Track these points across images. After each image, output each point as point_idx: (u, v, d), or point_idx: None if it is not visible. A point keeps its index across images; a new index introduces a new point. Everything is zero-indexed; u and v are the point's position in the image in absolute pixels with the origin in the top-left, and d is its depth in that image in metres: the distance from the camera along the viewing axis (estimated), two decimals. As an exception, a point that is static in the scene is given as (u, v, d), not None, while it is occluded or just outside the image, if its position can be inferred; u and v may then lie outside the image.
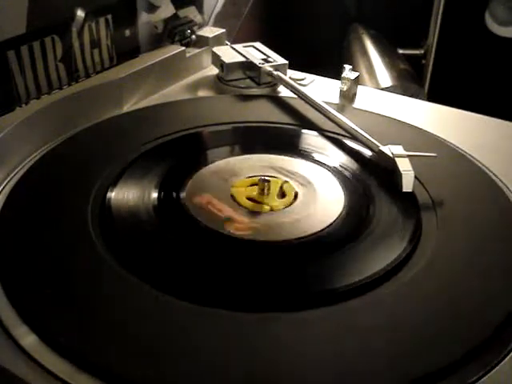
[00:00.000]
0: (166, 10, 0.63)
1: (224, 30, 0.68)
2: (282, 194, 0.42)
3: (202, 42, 0.66)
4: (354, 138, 0.49)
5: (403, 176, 0.42)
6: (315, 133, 0.51)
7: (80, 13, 0.53)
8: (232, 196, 0.42)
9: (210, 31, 0.67)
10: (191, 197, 0.41)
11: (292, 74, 0.61)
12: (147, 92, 0.58)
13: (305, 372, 0.29)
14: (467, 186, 0.44)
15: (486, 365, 0.30)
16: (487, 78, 1.04)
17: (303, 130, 0.51)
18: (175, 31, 0.64)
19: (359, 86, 0.60)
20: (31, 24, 0.48)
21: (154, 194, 0.41)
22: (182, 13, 0.65)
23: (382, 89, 0.90)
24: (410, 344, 0.31)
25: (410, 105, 0.59)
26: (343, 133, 0.50)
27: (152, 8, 0.61)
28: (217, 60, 0.61)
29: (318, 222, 0.39)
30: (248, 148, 0.48)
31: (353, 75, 0.58)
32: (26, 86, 0.50)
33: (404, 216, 0.40)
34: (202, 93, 0.60)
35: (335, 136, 0.50)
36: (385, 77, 0.96)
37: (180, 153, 0.47)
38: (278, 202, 0.41)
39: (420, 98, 0.86)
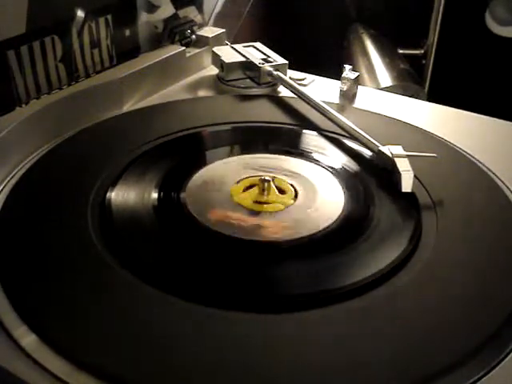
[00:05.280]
0: (166, 10, 0.63)
1: (224, 30, 0.68)
2: (280, 191, 0.42)
3: (202, 42, 0.66)
4: (354, 138, 0.49)
5: (402, 176, 0.42)
6: (315, 133, 0.51)
7: (80, 13, 0.53)
8: (232, 196, 0.42)
9: (210, 31, 0.67)
10: (192, 199, 0.41)
11: (292, 74, 0.61)
12: (147, 92, 0.58)
13: (305, 372, 0.29)
14: (467, 186, 0.44)
15: (486, 365, 0.30)
16: (487, 78, 1.04)
17: (303, 130, 0.51)
18: (175, 31, 0.64)
19: (359, 86, 0.60)
20: (31, 24, 0.48)
21: (154, 194, 0.41)
22: (182, 13, 0.65)
23: (382, 89, 0.90)
24: (410, 344, 0.31)
25: (410, 105, 0.59)
26: (343, 133, 0.50)
27: (152, 8, 0.61)
28: (217, 60, 0.61)
29: (317, 223, 0.39)
30: (248, 148, 0.48)
31: (353, 75, 0.58)
32: (25, 86, 0.50)
33: (404, 216, 0.40)
34: (202, 93, 0.60)
35: (335, 136, 0.50)
36: (385, 77, 0.96)
37: (180, 153, 0.47)
38: (285, 199, 0.41)
39: (420, 98, 0.86)
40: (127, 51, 0.60)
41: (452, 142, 0.50)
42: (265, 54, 0.61)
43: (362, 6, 1.11)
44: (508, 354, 0.30)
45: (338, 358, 0.30)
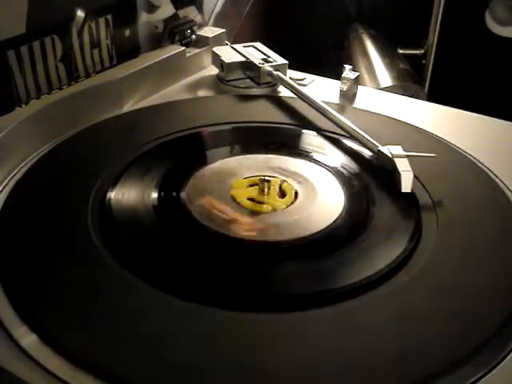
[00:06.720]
0: (166, 10, 0.63)
1: (224, 30, 0.68)
2: (282, 194, 0.42)
3: (202, 42, 0.66)
4: (354, 138, 0.49)
5: (402, 176, 0.42)
6: (315, 133, 0.51)
7: (80, 13, 0.53)
8: (232, 196, 0.42)
9: (210, 31, 0.67)
10: (192, 199, 0.41)
11: (292, 73, 0.61)
12: (147, 92, 0.58)
13: (305, 372, 0.29)
14: (467, 185, 0.44)
15: (486, 365, 0.30)
16: (487, 78, 1.04)
17: (303, 130, 0.51)
18: (175, 31, 0.64)
19: (359, 86, 0.60)
20: (31, 24, 0.48)
21: (154, 194, 0.41)
22: (182, 13, 0.65)
23: (382, 89, 0.90)
24: (410, 344, 0.31)
25: (410, 105, 0.59)
26: (343, 133, 0.50)
27: (152, 8, 0.61)
28: (217, 60, 0.61)
29: (317, 222, 0.39)
30: (248, 148, 0.48)
31: (353, 75, 0.58)
32: (25, 86, 0.50)
33: (404, 216, 0.40)
34: (202, 93, 0.60)
35: (335, 136, 0.50)
36: (385, 77, 0.96)
37: (180, 153, 0.47)
38: (278, 202, 0.41)
39: (420, 98, 0.86)
40: (127, 51, 0.60)
41: (452, 142, 0.50)
42: (265, 54, 0.61)
43: (361, 6, 1.11)
44: (508, 353, 0.30)
45: (338, 358, 0.30)
